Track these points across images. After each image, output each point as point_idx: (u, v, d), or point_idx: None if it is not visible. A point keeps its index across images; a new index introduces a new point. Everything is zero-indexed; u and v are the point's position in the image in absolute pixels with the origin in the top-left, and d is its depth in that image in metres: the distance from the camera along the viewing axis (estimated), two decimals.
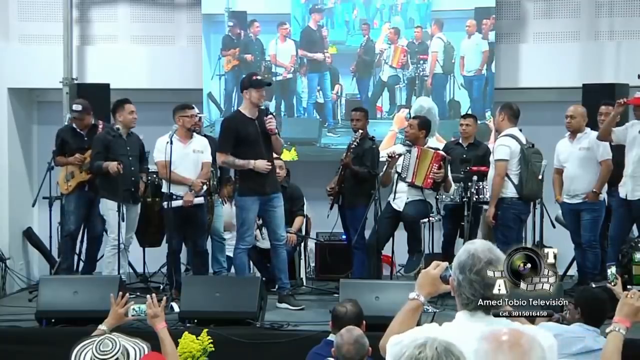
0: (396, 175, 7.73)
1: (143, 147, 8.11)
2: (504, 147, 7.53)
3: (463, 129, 8.42)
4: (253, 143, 7.14)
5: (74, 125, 8.19)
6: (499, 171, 7.52)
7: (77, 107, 8.16)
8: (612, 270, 4.56)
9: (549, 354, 2.69)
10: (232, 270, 8.04)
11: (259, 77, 7.39)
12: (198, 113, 8.05)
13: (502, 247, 2.81)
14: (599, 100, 8.12)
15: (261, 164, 7.12)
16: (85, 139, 8.16)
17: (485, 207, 7.98)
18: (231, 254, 7.94)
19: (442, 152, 7.74)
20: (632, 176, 7.39)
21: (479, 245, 2.80)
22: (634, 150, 7.40)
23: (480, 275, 2.72)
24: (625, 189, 7.44)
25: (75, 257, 8.42)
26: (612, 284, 4.46)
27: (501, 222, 7.51)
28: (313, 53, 9.72)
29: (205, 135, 8.18)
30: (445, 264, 2.99)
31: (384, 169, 7.80)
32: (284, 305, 7.32)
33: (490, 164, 7.70)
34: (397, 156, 7.68)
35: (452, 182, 7.74)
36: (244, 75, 8.02)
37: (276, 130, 7.24)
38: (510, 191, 7.52)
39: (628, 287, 5.09)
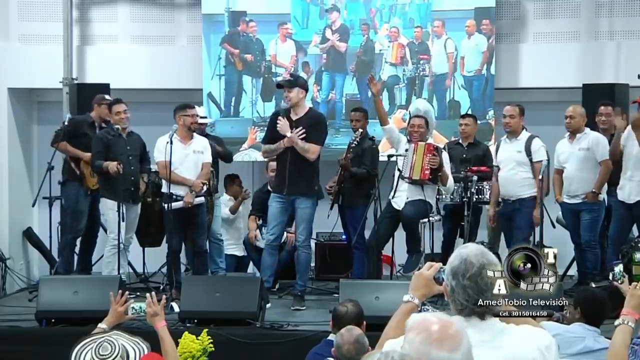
0: (397, 174, 7.71)
1: (144, 146, 8.09)
2: (544, 148, 7.72)
3: (462, 128, 8.42)
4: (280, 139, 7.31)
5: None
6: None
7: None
8: (619, 268, 4.54)
9: (547, 353, 2.69)
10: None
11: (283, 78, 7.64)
12: (203, 116, 8.04)
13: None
14: (599, 101, 8.12)
15: (289, 138, 7.23)
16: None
17: (486, 207, 8.04)
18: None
19: (433, 143, 7.71)
20: (630, 179, 7.38)
21: (471, 250, 2.73)
22: (630, 153, 7.39)
23: (473, 280, 2.66)
24: (623, 193, 7.44)
25: (75, 257, 8.43)
26: (619, 281, 4.43)
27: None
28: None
29: (206, 135, 8.18)
30: (439, 264, 2.95)
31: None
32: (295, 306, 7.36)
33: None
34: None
35: (450, 174, 7.60)
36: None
37: (301, 144, 7.23)
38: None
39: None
